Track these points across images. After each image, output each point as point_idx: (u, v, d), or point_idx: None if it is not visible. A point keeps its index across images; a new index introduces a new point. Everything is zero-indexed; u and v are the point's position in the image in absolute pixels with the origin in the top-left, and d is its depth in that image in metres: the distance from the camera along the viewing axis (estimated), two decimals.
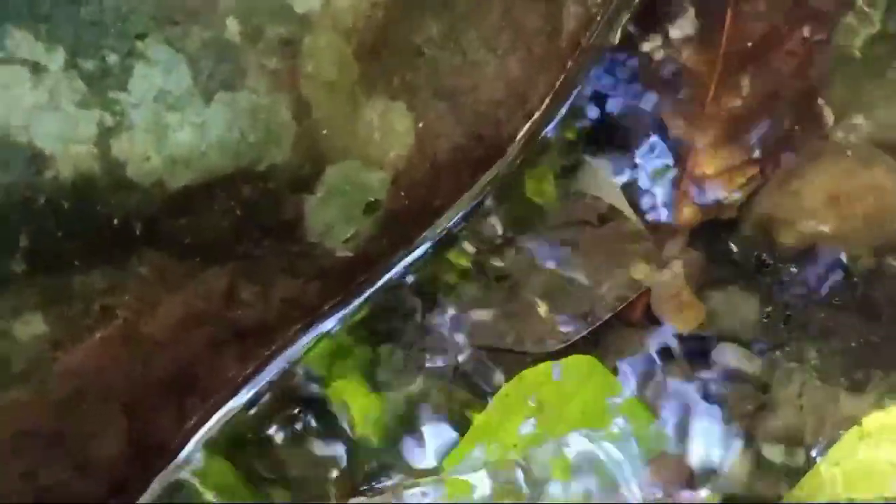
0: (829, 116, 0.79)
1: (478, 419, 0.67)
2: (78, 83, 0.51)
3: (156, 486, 0.60)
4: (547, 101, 0.75)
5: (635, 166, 0.81)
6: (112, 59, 0.52)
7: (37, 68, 0.50)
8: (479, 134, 0.71)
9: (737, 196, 0.77)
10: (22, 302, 0.52)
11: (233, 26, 0.55)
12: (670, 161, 0.79)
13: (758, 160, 0.78)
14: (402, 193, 0.66)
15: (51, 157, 0.49)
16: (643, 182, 0.80)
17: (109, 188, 0.52)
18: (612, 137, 0.80)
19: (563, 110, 0.77)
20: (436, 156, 0.68)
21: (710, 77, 0.80)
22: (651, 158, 0.81)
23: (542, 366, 0.70)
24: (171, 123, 0.53)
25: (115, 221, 0.53)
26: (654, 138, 0.80)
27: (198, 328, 0.61)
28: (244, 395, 0.64)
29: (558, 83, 0.75)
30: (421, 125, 0.66)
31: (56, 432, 0.55)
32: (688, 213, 0.77)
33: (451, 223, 0.72)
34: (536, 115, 0.75)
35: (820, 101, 0.80)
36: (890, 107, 0.80)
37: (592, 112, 0.81)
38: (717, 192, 0.79)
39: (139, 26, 0.53)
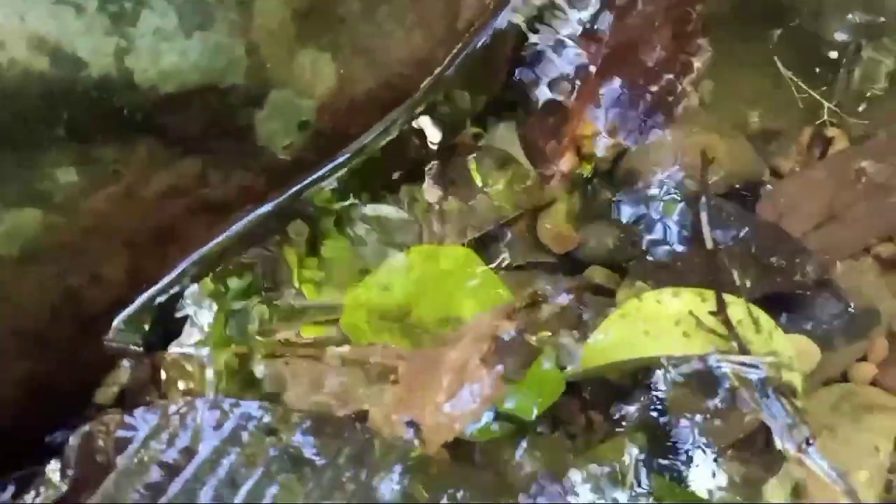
0: (694, 100, 0.91)
1: (375, 273, 0.80)
2: (105, 19, 0.67)
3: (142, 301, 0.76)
4: (444, 63, 0.88)
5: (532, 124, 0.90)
6: (127, 5, 0.68)
7: (79, 8, 0.66)
8: (387, 82, 0.83)
9: (607, 154, 0.89)
10: (62, 157, 0.68)
11: None
12: (559, 121, 0.89)
13: (626, 129, 0.90)
14: (327, 118, 0.79)
15: (85, 62, 0.66)
16: (539, 137, 0.90)
17: (121, 87, 0.67)
18: (516, 102, 0.91)
19: (458, 71, 0.88)
20: (353, 94, 0.81)
21: (594, 63, 0.92)
22: (545, 119, 0.90)
23: (430, 246, 0.83)
24: (164, 49, 0.68)
25: (125, 111, 0.68)
26: (548, 103, 0.90)
27: (178, 198, 0.75)
28: (210, 247, 0.78)
29: (453, 52, 0.88)
30: (342, 72, 0.79)
31: (80, 250, 0.71)
32: (568, 164, 0.89)
33: (364, 143, 0.84)
34: (436, 71, 0.87)
35: (685, 84, 0.91)
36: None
37: (502, 85, 0.91)
38: (591, 149, 0.89)
39: None
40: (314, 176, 0.83)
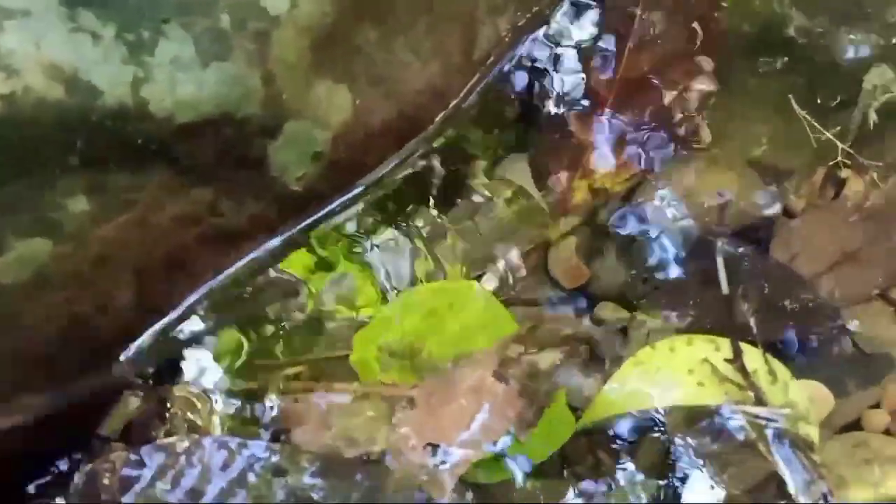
0: (706, 135, 0.89)
1: (383, 310, 0.80)
2: (122, 47, 0.66)
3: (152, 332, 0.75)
4: (461, 95, 0.88)
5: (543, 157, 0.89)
6: (145, 34, 0.66)
7: (96, 36, 0.65)
8: (403, 113, 0.82)
9: (619, 189, 0.88)
10: (74, 186, 0.67)
11: (225, 19, 0.69)
12: (571, 154, 0.88)
13: (638, 163, 0.88)
14: (341, 149, 0.78)
15: (100, 91, 0.64)
16: (551, 171, 0.88)
17: (137, 116, 0.66)
18: (529, 136, 0.90)
19: (474, 102, 0.88)
20: (369, 125, 0.80)
21: (607, 95, 0.90)
22: (557, 152, 0.89)
23: (440, 281, 0.82)
24: (180, 79, 0.67)
25: (139, 140, 0.67)
26: (560, 138, 0.89)
27: (189, 226, 0.74)
28: (220, 278, 0.78)
29: (469, 84, 0.88)
30: (358, 102, 0.78)
31: (90, 278, 0.70)
32: (580, 197, 0.88)
33: (379, 176, 0.84)
34: (451, 105, 0.87)
35: (699, 120, 0.89)
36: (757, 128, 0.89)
37: (515, 113, 0.91)
38: (604, 184, 0.88)
39: (165, 14, 0.67)
40: (327, 208, 0.83)
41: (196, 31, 0.69)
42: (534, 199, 0.88)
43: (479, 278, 0.82)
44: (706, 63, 0.92)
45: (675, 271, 0.83)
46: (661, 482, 0.71)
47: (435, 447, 0.72)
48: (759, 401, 0.69)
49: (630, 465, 0.74)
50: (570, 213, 0.88)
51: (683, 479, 0.72)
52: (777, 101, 0.89)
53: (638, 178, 0.88)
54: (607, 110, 0.90)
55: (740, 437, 0.70)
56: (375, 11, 0.79)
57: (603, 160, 0.89)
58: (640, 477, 0.73)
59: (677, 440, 0.73)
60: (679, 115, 0.90)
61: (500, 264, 0.84)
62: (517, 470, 0.74)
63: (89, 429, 0.75)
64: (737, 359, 0.72)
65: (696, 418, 0.72)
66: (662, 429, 0.74)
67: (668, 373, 0.73)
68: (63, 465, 0.73)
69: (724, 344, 0.73)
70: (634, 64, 0.92)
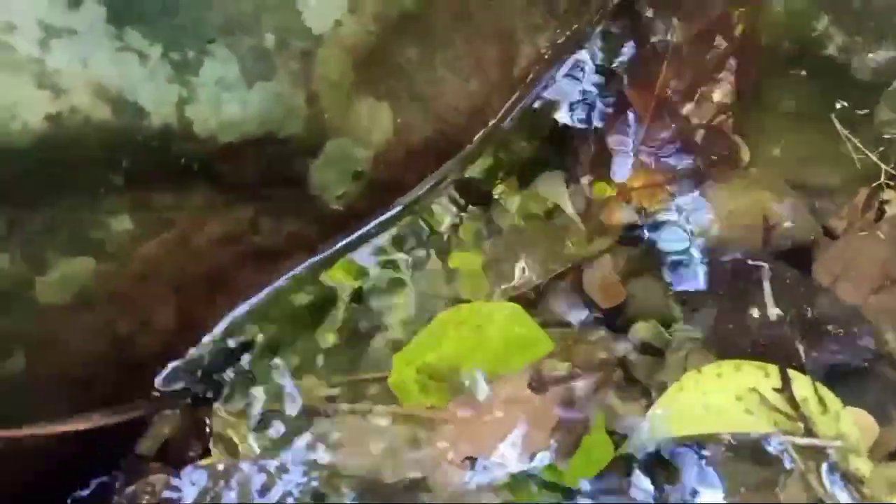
0: (745, 154, 0.89)
1: (422, 331, 0.79)
2: (168, 67, 0.66)
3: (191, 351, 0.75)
4: (500, 113, 0.87)
5: (580, 176, 0.89)
6: (190, 54, 0.67)
7: (142, 55, 0.65)
8: (443, 131, 0.82)
9: (656, 208, 0.86)
10: (118, 205, 0.67)
11: (269, 39, 0.69)
12: (611, 172, 0.88)
13: (675, 182, 0.88)
14: (382, 168, 0.78)
15: (146, 112, 0.65)
16: (586, 187, 0.88)
17: (181, 137, 0.66)
18: (565, 149, 0.90)
19: (513, 121, 0.88)
20: (409, 143, 0.80)
21: (645, 112, 0.90)
22: (595, 170, 0.88)
23: (478, 302, 0.81)
24: (225, 99, 0.67)
25: (182, 160, 0.68)
26: (600, 154, 0.89)
27: (230, 245, 0.74)
28: (260, 296, 0.78)
29: (509, 102, 0.88)
30: (399, 120, 0.78)
31: (131, 297, 0.71)
32: (616, 216, 0.88)
33: (418, 194, 0.84)
34: (490, 123, 0.87)
35: (738, 140, 0.89)
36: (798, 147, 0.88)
37: (552, 127, 0.91)
38: (641, 203, 0.88)
39: (210, 34, 0.67)
40: (367, 227, 0.82)
41: (241, 50, 0.69)
42: (570, 217, 0.88)
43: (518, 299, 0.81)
44: (727, 77, 0.91)
45: (709, 293, 0.82)
46: None
47: (473, 460, 0.71)
48: (809, 432, 0.67)
49: (668, 491, 0.73)
50: (606, 231, 0.87)
51: None
52: (818, 120, 0.89)
53: (674, 197, 0.87)
54: (645, 127, 0.90)
55: (788, 467, 0.69)
56: (416, 30, 0.79)
57: (642, 178, 0.89)
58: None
59: (719, 467, 0.72)
60: (701, 131, 0.90)
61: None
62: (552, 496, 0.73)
63: (126, 447, 0.75)
64: (786, 388, 0.70)
65: (742, 447, 0.71)
66: (704, 455, 0.73)
67: (715, 399, 0.72)
68: (99, 482, 0.73)
69: (774, 371, 0.72)
70: (671, 80, 0.92)
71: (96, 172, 0.66)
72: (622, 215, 0.87)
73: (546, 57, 0.90)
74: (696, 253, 0.83)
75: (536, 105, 0.90)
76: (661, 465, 0.73)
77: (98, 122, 0.64)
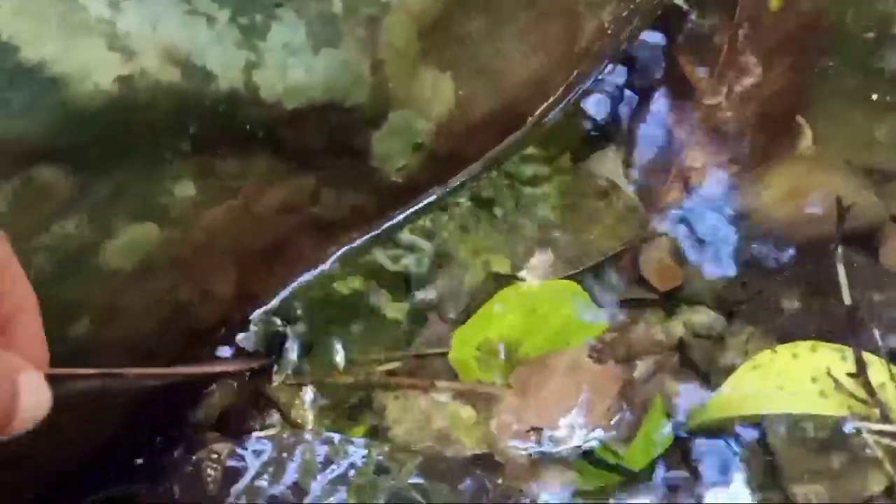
0: (808, 135, 0.87)
1: (483, 308, 0.78)
2: (235, 31, 0.65)
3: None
4: (561, 89, 0.86)
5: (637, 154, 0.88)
6: (258, 18, 0.66)
7: (210, 19, 0.64)
8: (505, 105, 0.81)
9: (717, 188, 0.84)
10: (183, 171, 0.67)
11: (337, 4, 0.69)
12: (668, 152, 0.88)
13: (737, 161, 0.86)
14: (443, 140, 0.78)
15: (214, 75, 0.64)
16: (643, 167, 0.88)
17: (247, 102, 0.66)
18: (624, 130, 0.88)
19: (574, 98, 0.87)
20: (471, 116, 0.79)
21: (702, 87, 0.89)
22: (652, 149, 0.89)
23: (534, 282, 0.80)
24: (291, 64, 0.67)
25: (248, 126, 0.67)
26: (657, 134, 0.88)
27: (289, 214, 0.74)
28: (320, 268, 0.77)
29: (572, 77, 0.87)
30: (461, 93, 0.78)
31: (192, 265, 0.70)
32: (675, 195, 0.86)
33: (478, 170, 0.83)
34: (552, 98, 0.86)
35: (800, 120, 0.87)
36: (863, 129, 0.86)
37: (612, 108, 0.89)
38: (700, 181, 0.85)
39: None
40: (426, 201, 0.81)
41: (308, 15, 0.68)
42: (627, 195, 0.87)
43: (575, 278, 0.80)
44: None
45: (771, 275, 0.81)
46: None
47: (539, 431, 0.70)
48: (886, 417, 0.66)
49: (733, 478, 0.72)
50: (664, 211, 0.86)
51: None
52: (885, 101, 0.87)
53: (733, 177, 0.86)
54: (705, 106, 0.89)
55: (862, 454, 0.67)
56: (481, 1, 0.78)
57: (701, 157, 0.88)
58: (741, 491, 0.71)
59: (782, 454, 0.70)
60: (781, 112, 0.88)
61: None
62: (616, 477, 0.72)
63: (183, 416, 0.74)
64: (861, 372, 0.69)
65: (814, 431, 0.70)
66: (767, 439, 0.72)
67: (788, 379, 0.71)
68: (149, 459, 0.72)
69: (850, 354, 0.71)
70: (733, 59, 0.90)
71: (164, 137, 0.65)
72: (680, 196, 0.86)
73: (609, 31, 0.89)
74: (741, 234, 0.82)
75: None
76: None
77: (167, 86, 0.63)
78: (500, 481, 0.65)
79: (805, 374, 0.71)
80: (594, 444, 0.72)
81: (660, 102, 0.90)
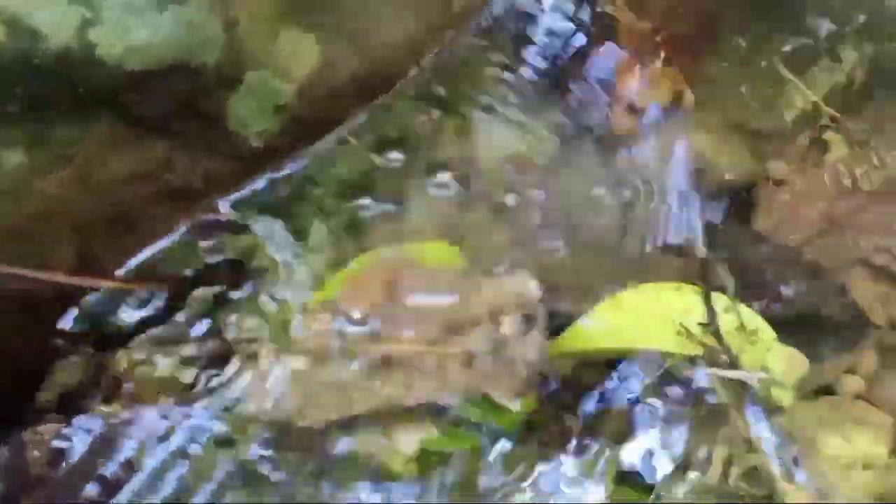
0: (689, 99, 0.85)
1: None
2: None
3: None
4: (434, 52, 0.83)
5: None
6: None
7: None
8: (373, 67, 0.79)
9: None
10: (11, 136, 0.63)
11: None
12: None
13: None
14: (305, 104, 0.75)
15: (45, 35, 0.61)
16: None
17: (83, 62, 0.63)
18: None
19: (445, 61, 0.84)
20: (336, 79, 0.76)
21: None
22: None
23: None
24: (133, 24, 0.64)
25: (84, 88, 0.64)
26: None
27: (139, 183, 0.71)
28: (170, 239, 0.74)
29: (446, 41, 0.84)
30: (325, 55, 0.75)
31: (26, 235, 0.67)
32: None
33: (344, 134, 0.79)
34: (424, 61, 0.83)
35: (682, 84, 0.85)
36: None
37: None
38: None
39: None
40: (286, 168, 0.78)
41: None
42: None
43: None
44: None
45: None
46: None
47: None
48: (733, 364, 0.66)
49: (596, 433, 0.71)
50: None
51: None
52: (763, 62, 0.88)
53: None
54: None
55: (711, 400, 0.68)
56: None
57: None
58: (607, 445, 0.70)
59: (643, 404, 0.70)
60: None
61: None
62: (485, 438, 0.70)
63: (25, 402, 0.70)
64: (711, 321, 0.69)
65: (667, 377, 0.70)
66: (631, 393, 0.71)
67: (648, 317, 0.70)
68: None
69: (716, 298, 0.71)
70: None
71: None
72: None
73: None
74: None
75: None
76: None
77: None
78: None
79: (666, 313, 0.71)
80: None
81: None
